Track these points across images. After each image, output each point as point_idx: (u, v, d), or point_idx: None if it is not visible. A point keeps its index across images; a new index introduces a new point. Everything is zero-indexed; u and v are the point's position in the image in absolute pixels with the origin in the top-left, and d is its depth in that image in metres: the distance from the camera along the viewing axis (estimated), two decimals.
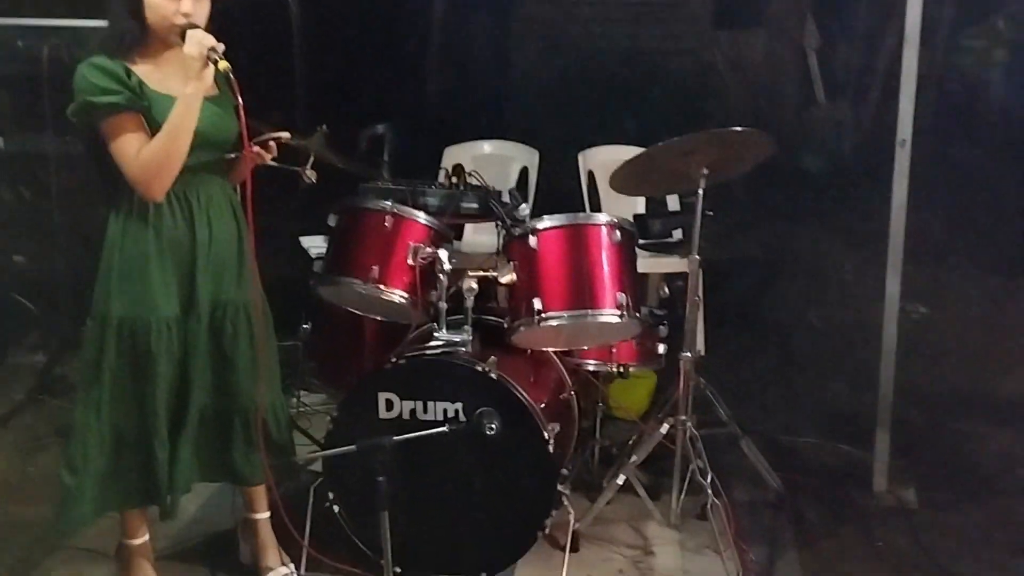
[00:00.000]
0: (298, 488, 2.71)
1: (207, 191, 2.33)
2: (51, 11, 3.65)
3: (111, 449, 2.33)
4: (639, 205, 3.91)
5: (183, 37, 2.18)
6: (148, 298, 2.26)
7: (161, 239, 2.27)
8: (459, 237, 3.67)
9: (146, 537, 2.51)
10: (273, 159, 2.44)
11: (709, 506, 2.76)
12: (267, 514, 2.62)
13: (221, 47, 2.18)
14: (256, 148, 2.35)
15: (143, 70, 2.23)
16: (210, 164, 2.32)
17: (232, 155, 2.38)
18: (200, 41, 2.16)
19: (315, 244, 3.40)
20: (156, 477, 2.32)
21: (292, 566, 2.61)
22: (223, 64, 2.15)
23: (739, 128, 2.68)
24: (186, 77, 2.17)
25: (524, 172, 4.26)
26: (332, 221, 2.79)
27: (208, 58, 2.15)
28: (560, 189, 4.63)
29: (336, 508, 2.58)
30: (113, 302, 2.28)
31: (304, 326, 3.14)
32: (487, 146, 4.35)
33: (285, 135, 2.39)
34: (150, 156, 2.18)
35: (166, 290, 2.28)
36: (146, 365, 2.28)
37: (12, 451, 3.33)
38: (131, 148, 2.19)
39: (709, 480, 2.77)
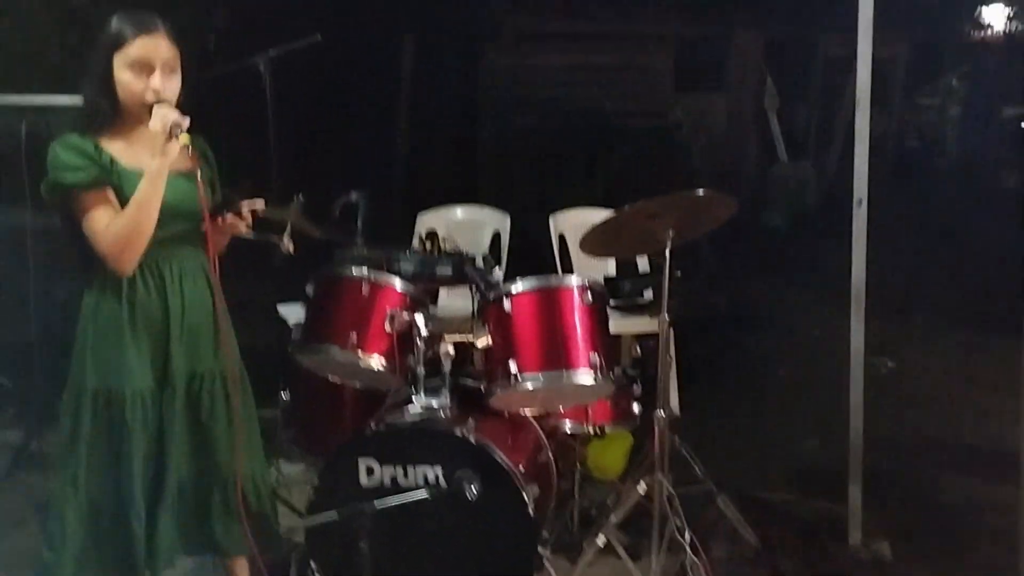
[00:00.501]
0: (281, 558, 2.70)
1: (179, 262, 2.35)
2: (29, 88, 3.71)
3: (90, 524, 2.31)
4: (610, 267, 3.99)
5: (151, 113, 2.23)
6: (122, 370, 2.27)
7: (134, 311, 2.29)
8: (434, 301, 3.73)
9: None
10: (250, 229, 2.48)
11: (688, 564, 2.78)
12: None
13: (186, 122, 2.22)
14: (230, 218, 2.38)
15: (116, 146, 2.27)
16: (183, 235, 2.34)
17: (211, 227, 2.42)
18: (164, 116, 2.20)
19: (293, 312, 3.44)
20: (134, 551, 2.30)
21: None
22: (184, 138, 2.19)
23: (701, 191, 2.77)
24: (152, 152, 2.22)
25: (497, 236, 4.33)
26: (309, 289, 2.84)
27: (171, 133, 2.20)
28: (532, 252, 4.71)
29: None
30: (88, 374, 2.28)
31: (282, 394, 3.16)
32: (459, 211, 4.43)
33: (259, 203, 2.42)
34: (118, 230, 2.21)
35: (140, 362, 2.29)
36: (121, 437, 2.27)
37: None
38: (100, 223, 2.22)
39: (688, 538, 2.80)
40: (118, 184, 2.24)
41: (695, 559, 2.77)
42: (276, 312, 3.56)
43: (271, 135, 3.80)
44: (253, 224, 2.48)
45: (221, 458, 2.40)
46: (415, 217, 4.32)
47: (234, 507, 2.40)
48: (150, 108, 2.23)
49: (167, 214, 2.25)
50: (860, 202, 3.04)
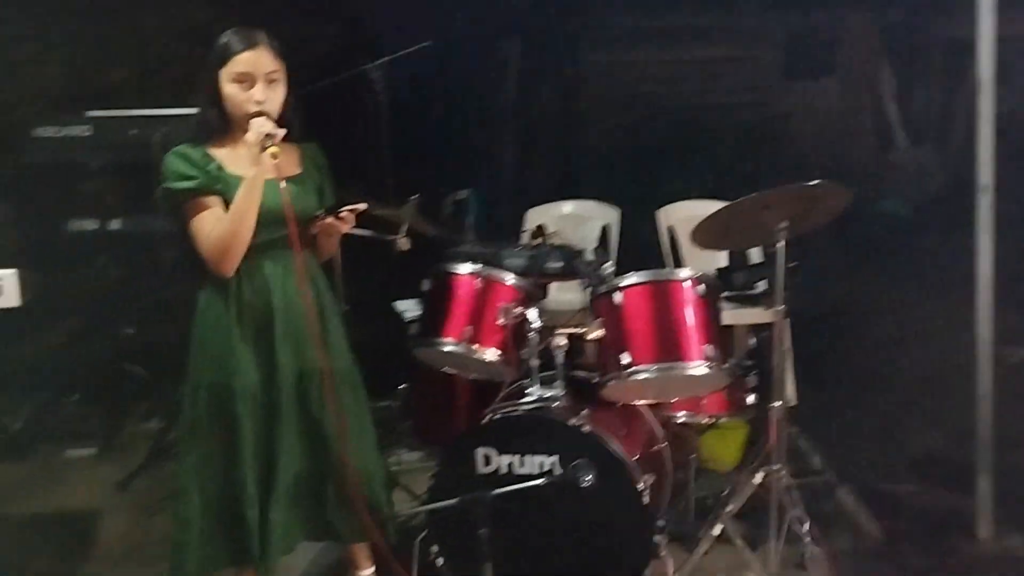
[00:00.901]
0: (396, 543, 2.78)
1: (284, 263, 2.45)
2: (160, 102, 3.94)
3: (210, 508, 2.45)
4: (722, 258, 3.94)
5: None
6: (232, 366, 2.40)
7: (241, 310, 2.41)
8: (545, 295, 3.77)
9: None
10: (366, 229, 2.57)
11: (808, 555, 2.74)
12: (371, 570, 2.70)
13: (280, 134, 2.31)
14: (330, 220, 2.46)
15: (224, 154, 2.41)
16: (287, 238, 2.41)
17: (315, 230, 2.51)
18: (258, 128, 2.31)
19: (409, 308, 3.54)
20: (248, 538, 2.41)
21: None
22: (273, 149, 2.28)
23: (815, 182, 2.73)
24: (250, 162, 2.33)
25: (605, 230, 4.34)
26: (425, 285, 2.93)
27: (263, 145, 2.30)
28: (642, 245, 4.70)
29: (440, 561, 2.66)
30: (201, 370, 2.43)
31: (401, 387, 3.26)
32: (568, 206, 4.45)
33: (362, 206, 2.49)
34: (218, 235, 2.35)
35: (248, 358, 2.41)
36: (233, 429, 2.40)
37: (133, 514, 3.49)
38: (204, 228, 2.36)
39: (807, 529, 2.76)
40: (224, 191, 2.37)
41: (815, 550, 2.73)
42: (393, 308, 3.67)
43: (385, 138, 3.91)
44: (367, 224, 2.56)
45: (332, 450, 2.50)
46: (524, 213, 4.37)
47: (347, 497, 2.50)
48: (251, 119, 2.35)
49: (270, 218, 2.37)
50: (986, 188, 2.93)
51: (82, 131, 3.86)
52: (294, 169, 2.48)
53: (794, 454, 2.96)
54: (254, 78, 2.36)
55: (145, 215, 3.79)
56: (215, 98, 2.39)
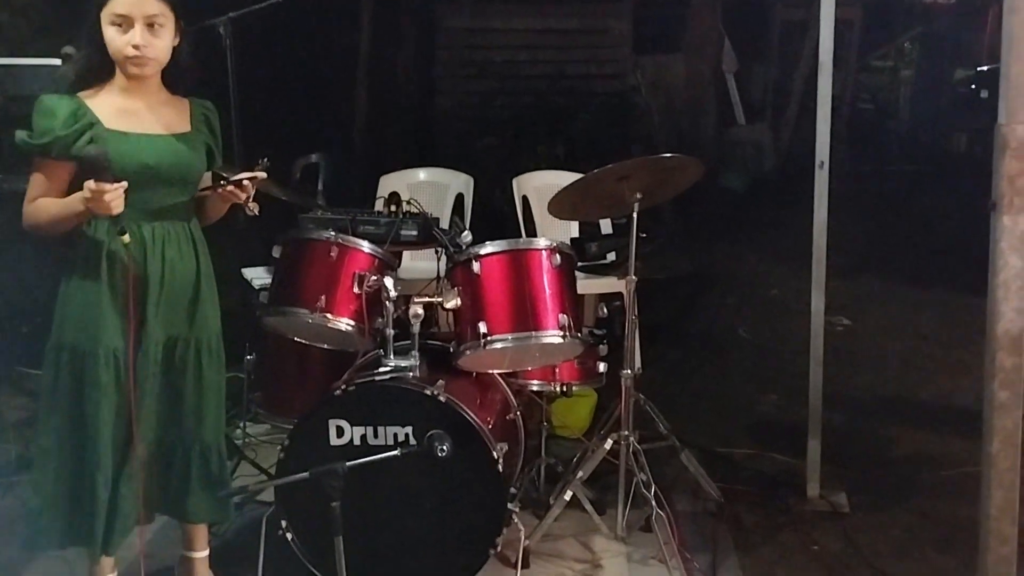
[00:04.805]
0: (251, 518, 2.71)
1: (164, 228, 2.34)
2: None
3: (64, 480, 2.32)
4: (573, 228, 4.01)
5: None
6: (97, 328, 2.28)
7: (113, 272, 2.29)
8: (398, 264, 3.73)
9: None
10: (250, 199, 2.45)
11: (653, 518, 2.84)
12: (204, 553, 2.60)
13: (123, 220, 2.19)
14: (231, 188, 2.34)
15: (107, 104, 2.26)
16: (171, 202, 2.32)
17: (205, 191, 2.40)
18: (115, 201, 2.14)
19: (257, 275, 3.43)
20: (96, 513, 2.30)
21: None
22: (126, 239, 2.20)
23: (670, 154, 2.79)
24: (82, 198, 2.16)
25: (459, 198, 4.33)
26: (277, 252, 2.83)
27: (118, 231, 2.20)
28: (495, 213, 4.73)
29: (289, 536, 2.60)
30: (65, 331, 2.30)
31: (248, 356, 3.15)
32: (422, 173, 4.41)
33: (261, 175, 2.38)
34: (32, 214, 2.26)
35: (115, 322, 2.30)
36: (95, 396, 2.28)
37: None
38: (33, 191, 2.26)
39: (653, 493, 2.86)
40: (101, 145, 2.19)
41: (660, 513, 2.84)
42: (240, 275, 3.54)
43: (232, 98, 3.75)
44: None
45: (188, 425, 2.42)
46: (376, 179, 4.30)
47: (198, 475, 2.43)
48: (133, 64, 2.23)
49: (156, 178, 2.26)
50: (822, 164, 3.08)
51: None
52: (183, 126, 2.36)
53: (640, 420, 3.04)
54: (132, 20, 2.22)
55: None
56: (95, 42, 2.25)
